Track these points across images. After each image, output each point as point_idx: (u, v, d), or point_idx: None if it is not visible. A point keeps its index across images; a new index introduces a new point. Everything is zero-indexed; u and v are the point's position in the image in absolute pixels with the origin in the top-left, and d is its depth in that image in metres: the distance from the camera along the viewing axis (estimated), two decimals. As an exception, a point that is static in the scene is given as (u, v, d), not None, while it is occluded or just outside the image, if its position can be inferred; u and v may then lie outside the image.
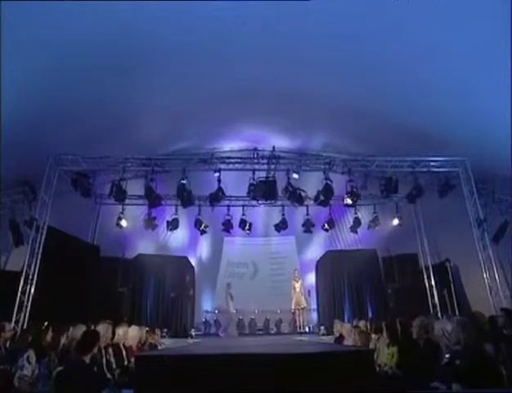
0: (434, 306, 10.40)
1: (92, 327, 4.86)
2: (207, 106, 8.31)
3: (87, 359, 3.51)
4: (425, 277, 10.90)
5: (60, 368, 3.59)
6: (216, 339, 10.78)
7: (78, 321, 4.76)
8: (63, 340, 4.47)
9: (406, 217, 11.08)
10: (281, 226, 11.51)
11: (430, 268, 10.85)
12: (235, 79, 7.39)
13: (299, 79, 7.40)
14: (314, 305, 12.85)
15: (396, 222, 11.11)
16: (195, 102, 8.09)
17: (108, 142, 8.51)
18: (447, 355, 3.78)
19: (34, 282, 7.42)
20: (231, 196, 10.60)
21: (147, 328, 6.98)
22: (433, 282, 10.70)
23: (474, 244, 8.18)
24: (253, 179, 9.13)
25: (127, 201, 9.94)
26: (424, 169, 8.93)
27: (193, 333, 11.19)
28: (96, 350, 3.69)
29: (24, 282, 7.27)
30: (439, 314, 9.27)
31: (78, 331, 4.21)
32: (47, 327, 4.54)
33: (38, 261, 7.58)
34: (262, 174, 9.36)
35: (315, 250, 13.95)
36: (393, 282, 11.30)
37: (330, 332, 9.76)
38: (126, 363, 4.86)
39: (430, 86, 6.75)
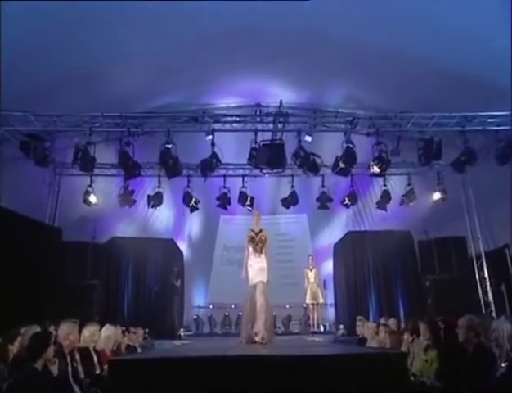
0: (487, 304, 10.39)
1: (53, 329, 4.82)
2: (197, 50, 8.20)
3: (40, 366, 3.53)
4: (476, 267, 10.88)
5: (11, 381, 3.54)
6: (209, 340, 10.93)
7: (33, 322, 4.70)
8: (14, 347, 4.41)
9: (451, 190, 10.96)
10: (291, 201, 11.56)
11: (483, 255, 10.82)
12: (232, 15, 7.22)
13: (312, 14, 7.19)
14: (331, 299, 12.98)
15: (437, 196, 11.01)
16: (182, 46, 8.01)
17: (70, 97, 8.38)
18: (504, 364, 3.74)
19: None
20: (228, 164, 10.65)
21: (124, 328, 7.01)
22: (486, 274, 10.68)
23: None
24: (256, 142, 9.00)
25: (96, 171, 9.92)
26: (479, 128, 8.78)
27: (182, 333, 11.47)
28: (51, 354, 3.68)
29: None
30: (494, 314, 9.26)
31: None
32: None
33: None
34: (267, 136, 9.33)
35: (332, 230, 13.94)
36: (433, 272, 11.28)
37: (350, 331, 9.83)
38: (98, 371, 4.86)
39: (483, 18, 6.46)
